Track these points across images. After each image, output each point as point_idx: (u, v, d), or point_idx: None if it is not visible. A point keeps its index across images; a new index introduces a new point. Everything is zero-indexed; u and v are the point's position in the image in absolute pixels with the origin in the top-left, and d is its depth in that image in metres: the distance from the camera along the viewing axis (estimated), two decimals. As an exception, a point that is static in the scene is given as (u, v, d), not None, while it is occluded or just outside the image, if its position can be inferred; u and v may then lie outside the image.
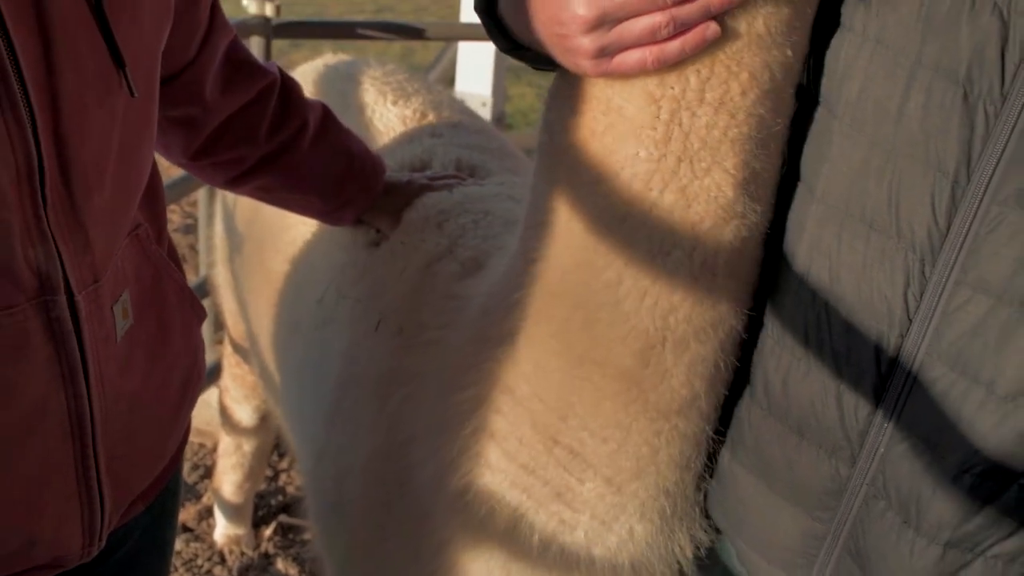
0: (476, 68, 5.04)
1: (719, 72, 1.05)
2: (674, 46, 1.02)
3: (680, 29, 1.01)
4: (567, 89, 1.16)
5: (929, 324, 1.02)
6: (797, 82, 1.11)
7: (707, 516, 1.36)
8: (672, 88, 1.06)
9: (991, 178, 0.95)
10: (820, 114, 1.11)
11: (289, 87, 1.67)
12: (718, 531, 1.37)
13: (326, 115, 1.73)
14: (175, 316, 1.38)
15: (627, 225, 1.14)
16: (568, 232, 1.20)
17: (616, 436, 1.25)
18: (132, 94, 1.13)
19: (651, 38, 1.01)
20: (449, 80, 4.45)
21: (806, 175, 1.13)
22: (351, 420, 1.63)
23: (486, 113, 4.88)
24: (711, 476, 1.33)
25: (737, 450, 1.27)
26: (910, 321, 1.03)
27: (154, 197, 1.35)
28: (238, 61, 1.58)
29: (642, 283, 1.16)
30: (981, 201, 0.96)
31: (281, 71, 1.68)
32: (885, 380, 1.07)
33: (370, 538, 1.59)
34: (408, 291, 1.60)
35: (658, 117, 1.08)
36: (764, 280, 1.21)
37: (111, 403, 1.20)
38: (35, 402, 1.11)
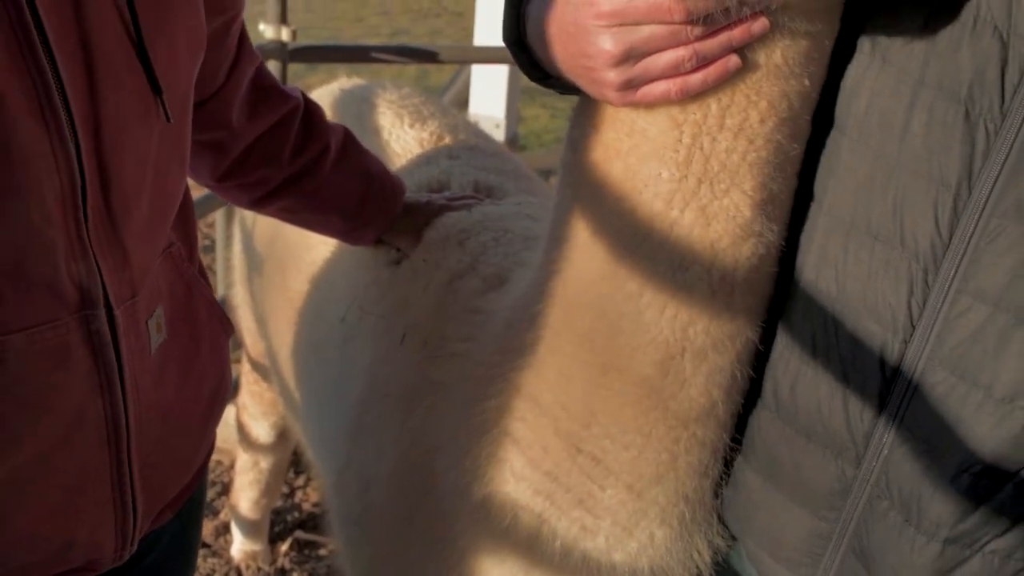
0: (489, 90, 5.06)
1: (739, 100, 1.10)
2: (697, 78, 1.06)
3: (703, 62, 1.05)
4: (592, 109, 1.20)
5: (931, 331, 1.06)
6: (814, 108, 1.15)
7: (724, 522, 1.40)
8: (694, 114, 1.10)
9: (991, 192, 1.00)
10: (832, 134, 1.16)
11: (311, 111, 1.71)
12: (734, 538, 1.40)
13: (347, 138, 1.77)
14: (205, 331, 1.43)
15: (648, 241, 1.17)
16: (592, 246, 1.23)
17: (637, 443, 1.28)
18: (168, 119, 1.18)
19: (675, 71, 1.05)
20: (463, 102, 4.50)
21: (817, 191, 1.18)
22: (375, 434, 1.65)
23: (499, 135, 4.90)
24: (728, 483, 1.36)
25: (748, 454, 1.31)
26: (913, 328, 1.08)
27: (186, 217, 1.40)
28: (264, 87, 1.62)
29: (663, 296, 1.20)
30: (982, 213, 1.01)
31: (304, 95, 1.72)
32: (889, 384, 1.11)
33: (393, 550, 1.61)
34: (432, 306, 1.63)
35: (680, 140, 1.12)
36: (776, 291, 1.25)
37: (145, 413, 1.25)
38: (74, 411, 1.16)
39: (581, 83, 1.14)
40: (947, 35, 1.02)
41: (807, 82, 1.11)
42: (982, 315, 1.03)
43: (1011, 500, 1.06)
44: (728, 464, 1.35)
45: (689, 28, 1.02)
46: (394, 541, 1.61)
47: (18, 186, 1.02)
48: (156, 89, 1.15)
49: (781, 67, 1.09)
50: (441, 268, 1.68)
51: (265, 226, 2.38)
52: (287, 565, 3.24)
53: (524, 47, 1.24)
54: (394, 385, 1.63)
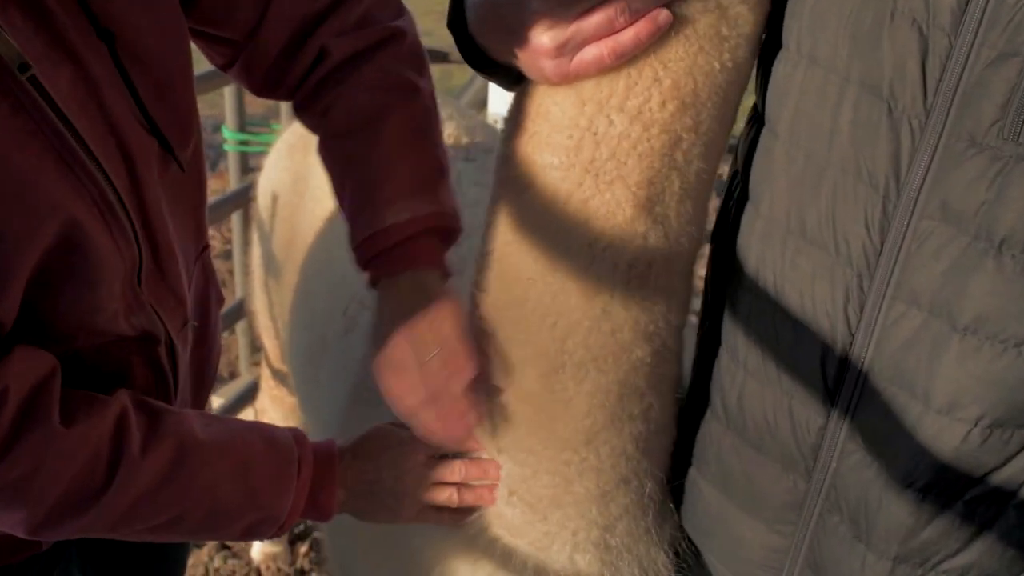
0: (508, 92, 5.02)
1: (646, 77, 1.05)
2: (628, 35, 1.02)
3: (634, 15, 1.01)
4: (517, 99, 1.18)
5: (870, 339, 1.02)
6: (723, 111, 1.10)
7: (680, 528, 1.35)
8: (602, 91, 1.06)
9: (919, 192, 0.96)
10: (764, 134, 1.12)
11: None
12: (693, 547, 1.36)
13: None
14: (211, 312, 1.49)
15: (532, 238, 1.13)
16: (493, 246, 1.20)
17: (530, 462, 1.24)
18: (183, 170, 1.24)
19: (608, 29, 1.02)
20: (481, 103, 4.46)
21: (753, 194, 1.13)
22: (360, 426, 1.61)
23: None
24: (684, 494, 1.32)
25: (701, 464, 1.27)
26: (852, 336, 1.04)
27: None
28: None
29: (544, 301, 1.14)
30: (912, 215, 0.97)
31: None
32: (833, 395, 1.07)
33: (368, 542, 1.60)
34: None
35: (577, 124, 1.08)
36: (716, 297, 1.21)
37: (181, 394, 1.36)
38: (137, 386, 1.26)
39: (518, 58, 1.10)
40: (868, 28, 0.97)
41: (717, 65, 1.06)
42: (916, 321, 0.99)
43: (962, 518, 1.02)
44: (673, 479, 1.30)
45: None
46: (367, 534, 1.57)
47: (93, 281, 1.12)
48: (169, 150, 1.21)
49: (691, 38, 1.04)
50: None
51: (283, 229, 2.39)
52: (306, 566, 3.24)
53: (467, 34, 1.19)
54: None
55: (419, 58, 1.39)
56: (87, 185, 1.06)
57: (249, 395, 3.11)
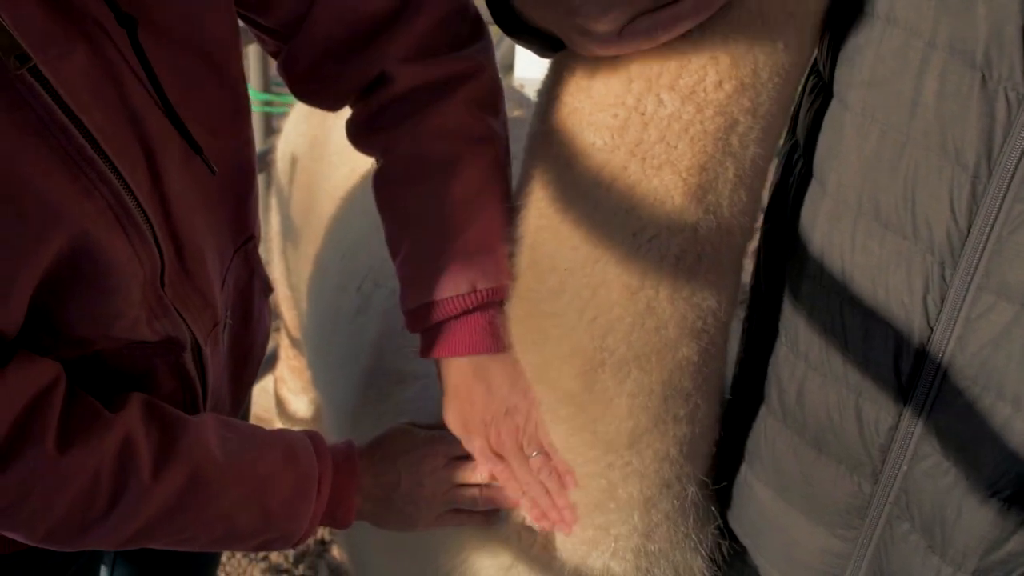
0: (535, 54, 4.92)
1: (701, 53, 0.96)
2: (687, 5, 0.92)
3: None
4: (555, 70, 1.09)
5: (951, 332, 0.94)
6: (783, 94, 1.01)
7: (722, 530, 1.29)
8: (651, 67, 0.98)
9: (1014, 172, 0.86)
10: (833, 105, 1.02)
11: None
12: (735, 547, 1.30)
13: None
14: (255, 305, 1.42)
15: (570, 225, 1.05)
16: (525, 230, 1.12)
17: (575, 464, 1.18)
18: (212, 172, 1.13)
19: None
20: (507, 67, 4.38)
21: (818, 171, 1.04)
22: (375, 408, 1.58)
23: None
24: (733, 493, 1.25)
25: (754, 463, 1.19)
26: (931, 329, 0.95)
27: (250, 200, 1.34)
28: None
29: (583, 295, 1.07)
30: (1004, 198, 0.87)
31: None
32: (907, 392, 0.98)
33: (390, 543, 1.54)
34: None
35: (623, 101, 1.00)
36: (775, 282, 1.12)
37: (214, 396, 1.30)
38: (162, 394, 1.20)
39: (560, 26, 1.01)
40: None
41: (781, 44, 0.97)
42: (1007, 315, 0.90)
43: None
44: (719, 479, 1.24)
45: None
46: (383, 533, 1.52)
47: (108, 288, 1.03)
48: (196, 148, 1.11)
49: (754, 13, 0.95)
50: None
51: (302, 197, 2.34)
52: (327, 536, 3.22)
53: None
54: (398, 362, 1.55)
55: (497, 96, 1.26)
56: (98, 186, 0.98)
57: (269, 363, 3.08)
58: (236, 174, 1.23)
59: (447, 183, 1.19)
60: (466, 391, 1.21)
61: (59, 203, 0.95)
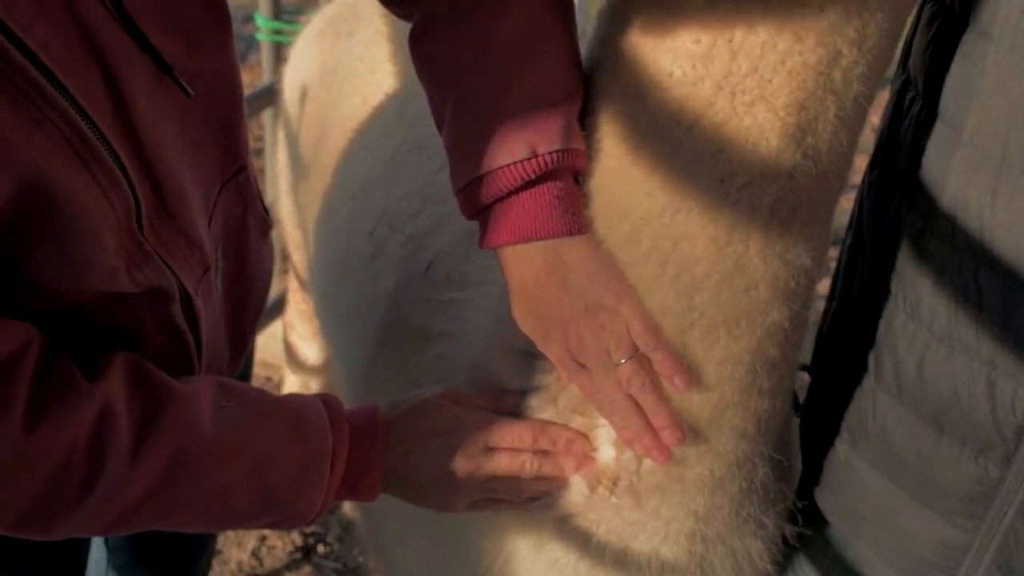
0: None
1: None
2: None
3: None
4: None
5: None
6: (893, 24, 0.90)
7: (791, 513, 1.18)
8: None
9: None
10: (969, 38, 0.89)
11: None
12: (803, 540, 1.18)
13: None
14: (252, 243, 1.31)
15: (645, 168, 0.93)
16: (591, 171, 0.99)
17: None
18: (188, 94, 1.02)
19: None
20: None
21: (949, 114, 0.92)
22: (387, 368, 1.45)
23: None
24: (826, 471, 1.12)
25: (857, 442, 1.09)
26: None
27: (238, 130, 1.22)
28: None
29: (662, 247, 0.95)
30: None
31: None
32: None
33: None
34: (462, 233, 1.38)
35: (707, 27, 0.87)
36: (885, 239, 1.00)
37: (210, 348, 1.20)
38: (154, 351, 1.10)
39: None
40: None
41: None
42: None
43: None
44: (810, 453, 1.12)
45: None
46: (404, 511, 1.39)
47: (74, 234, 0.93)
48: (164, 67, 0.98)
49: None
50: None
51: (311, 129, 2.19)
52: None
53: None
54: (418, 316, 1.40)
55: None
56: (48, 114, 0.86)
57: (277, 308, 2.94)
58: (218, 97, 1.11)
59: (494, 23, 0.99)
60: (535, 285, 1.01)
61: (0, 136, 0.84)
